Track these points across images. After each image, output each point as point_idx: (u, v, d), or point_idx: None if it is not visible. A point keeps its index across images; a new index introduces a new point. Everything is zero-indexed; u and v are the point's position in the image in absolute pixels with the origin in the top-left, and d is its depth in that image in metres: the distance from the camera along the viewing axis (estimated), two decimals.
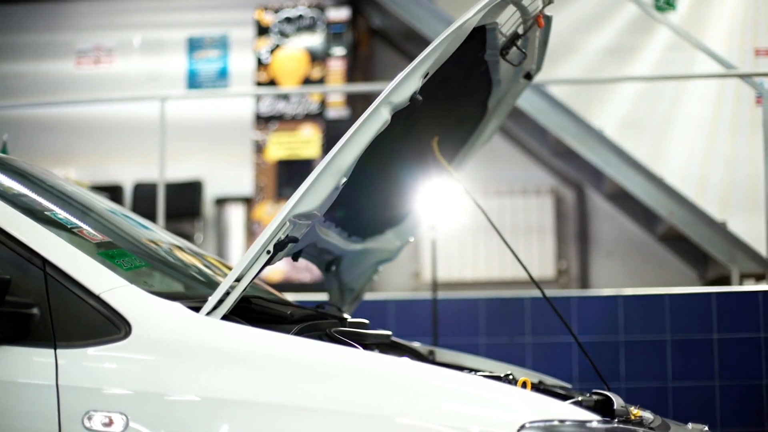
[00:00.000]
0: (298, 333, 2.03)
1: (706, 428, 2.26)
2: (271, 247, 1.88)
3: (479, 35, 2.31)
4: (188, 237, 7.37)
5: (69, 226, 2.12)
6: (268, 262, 1.90)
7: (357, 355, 1.82)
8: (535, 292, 4.28)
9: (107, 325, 1.84)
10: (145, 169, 7.11)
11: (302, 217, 1.92)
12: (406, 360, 1.83)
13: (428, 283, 6.75)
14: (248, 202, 7.25)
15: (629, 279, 6.63)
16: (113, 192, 7.36)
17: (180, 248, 2.68)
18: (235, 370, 1.77)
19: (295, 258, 2.44)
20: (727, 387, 4.10)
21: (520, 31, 2.45)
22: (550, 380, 2.90)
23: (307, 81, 7.18)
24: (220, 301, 1.88)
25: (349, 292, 3.02)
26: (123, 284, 1.89)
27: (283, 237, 1.89)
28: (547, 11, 2.51)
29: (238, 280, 1.90)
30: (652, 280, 6.34)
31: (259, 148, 7.18)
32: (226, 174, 7.51)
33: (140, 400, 1.77)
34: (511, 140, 7.08)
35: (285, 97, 7.15)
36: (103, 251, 2.06)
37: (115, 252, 2.10)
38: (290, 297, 4.13)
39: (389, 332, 2.52)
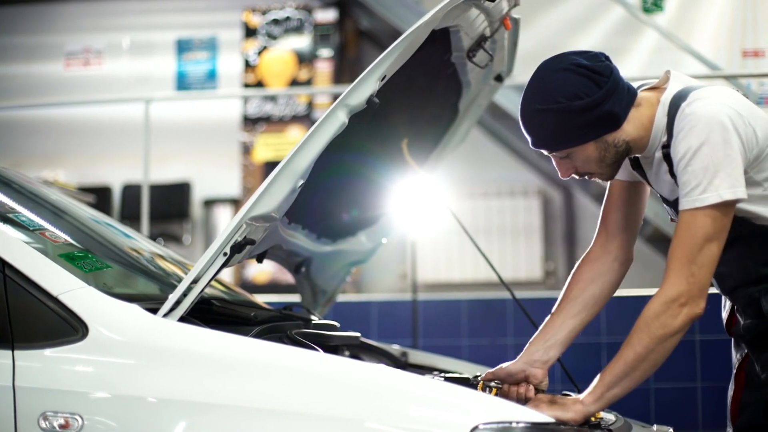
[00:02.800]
0: (259, 335, 2.04)
1: (671, 430, 2.27)
2: (227, 249, 1.89)
3: (443, 38, 2.32)
4: (176, 238, 7.38)
5: (31, 228, 2.13)
6: (225, 264, 1.90)
7: (312, 357, 1.82)
8: (518, 294, 4.28)
9: (64, 327, 1.85)
10: (134, 171, 7.10)
11: (259, 219, 1.93)
12: (359, 362, 1.85)
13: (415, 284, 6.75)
14: (236, 203, 7.26)
15: None
16: (102, 193, 7.36)
17: (160, 256, 2.69)
18: (190, 372, 1.78)
19: (259, 260, 2.45)
20: (708, 389, 4.10)
21: (487, 33, 2.45)
22: None
23: (294, 82, 7.18)
24: (178, 303, 1.89)
25: (322, 293, 3.02)
26: (81, 286, 1.90)
27: (240, 239, 1.90)
28: (516, 14, 2.51)
29: (195, 281, 1.90)
30: (639, 281, 6.32)
31: (247, 149, 7.19)
32: (214, 175, 7.52)
33: (96, 401, 1.77)
34: (498, 141, 7.08)
35: (272, 98, 7.15)
36: (64, 253, 2.07)
37: (77, 254, 2.11)
38: (276, 298, 4.14)
39: (357, 334, 2.53)
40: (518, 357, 2.22)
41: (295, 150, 1.90)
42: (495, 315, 4.38)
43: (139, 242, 2.74)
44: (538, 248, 6.88)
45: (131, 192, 7.36)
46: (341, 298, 4.84)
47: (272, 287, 6.61)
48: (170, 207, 7.31)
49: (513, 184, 7.05)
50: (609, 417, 2.14)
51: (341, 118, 1.91)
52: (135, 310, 1.88)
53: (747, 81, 5.60)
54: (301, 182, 1.93)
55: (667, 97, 2.04)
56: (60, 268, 1.93)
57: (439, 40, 2.28)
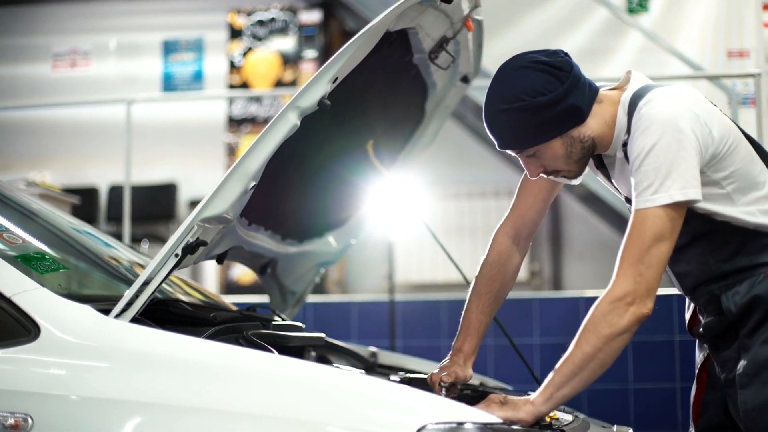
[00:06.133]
0: (214, 336, 2.05)
1: (630, 430, 2.27)
2: (179, 251, 1.90)
3: (402, 39, 2.32)
4: (163, 239, 7.37)
5: None
6: (177, 265, 1.91)
7: (260, 357, 1.83)
8: None
9: (17, 328, 1.86)
10: (121, 172, 7.09)
11: (212, 220, 1.93)
12: (306, 362, 1.85)
13: (401, 284, 6.76)
14: None
15: (601, 280, 6.59)
16: (89, 194, 7.37)
17: (127, 259, 2.69)
18: (141, 372, 1.79)
19: (219, 261, 2.46)
20: (688, 389, 4.09)
21: (449, 34, 2.46)
22: (492, 382, 2.93)
23: (279, 83, 7.19)
24: (130, 304, 1.89)
25: (291, 294, 3.02)
26: (34, 287, 1.91)
27: (192, 240, 1.91)
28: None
29: (148, 283, 1.91)
30: None
31: (232, 150, 7.19)
32: (200, 176, 7.51)
33: (45, 402, 1.78)
34: (482, 142, 7.08)
35: (257, 99, 7.16)
36: (20, 254, 2.08)
37: (33, 255, 2.12)
38: (259, 299, 4.12)
39: (321, 334, 2.53)
40: (454, 358, 2.29)
41: (246, 152, 1.91)
42: None
43: (114, 247, 2.74)
44: None
45: (118, 193, 7.36)
46: (322, 299, 4.84)
47: (257, 288, 6.61)
48: (156, 208, 7.32)
49: (498, 184, 7.05)
50: (566, 417, 2.14)
51: (292, 120, 1.92)
52: (87, 311, 1.88)
53: (732, 81, 5.59)
54: (253, 184, 1.94)
55: (627, 96, 2.04)
56: (14, 269, 1.94)
57: (398, 41, 2.28)
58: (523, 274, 6.85)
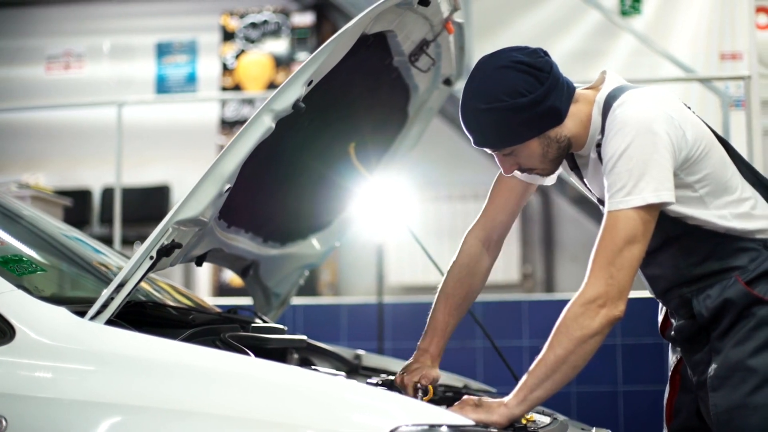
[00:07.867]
0: (191, 338, 2.05)
1: None
2: (154, 253, 1.90)
3: (381, 42, 2.32)
4: None
5: None
6: (152, 268, 1.91)
7: (236, 360, 1.83)
8: (486, 296, 4.29)
9: None
10: (114, 174, 7.12)
11: (187, 223, 1.93)
12: (277, 364, 1.84)
13: (394, 287, 6.75)
14: None
15: None
16: (82, 197, 7.37)
17: (110, 263, 2.69)
18: (115, 374, 1.79)
19: (198, 263, 2.46)
20: None
21: (429, 37, 2.46)
22: (475, 384, 2.93)
23: (272, 86, 7.19)
24: (105, 307, 1.90)
25: (275, 296, 3.03)
26: (10, 289, 1.92)
27: (167, 243, 1.91)
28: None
29: (122, 285, 1.91)
30: None
31: None
32: (193, 178, 7.45)
33: (20, 403, 1.78)
34: None
35: (250, 102, 7.16)
36: None
37: (11, 258, 2.13)
38: (250, 302, 4.12)
39: (303, 336, 2.54)
40: (422, 359, 2.33)
41: (220, 155, 1.92)
42: (464, 318, 4.38)
43: (99, 250, 2.74)
44: (515, 251, 6.86)
45: (111, 195, 7.35)
46: (311, 301, 4.85)
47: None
48: (149, 210, 7.29)
49: (491, 186, 7.05)
50: (543, 419, 2.14)
51: (267, 123, 1.92)
52: (62, 312, 1.89)
53: (725, 84, 5.59)
54: (228, 186, 1.94)
55: (601, 96, 2.04)
56: None
57: (377, 44, 2.29)
58: (515, 276, 6.90)
